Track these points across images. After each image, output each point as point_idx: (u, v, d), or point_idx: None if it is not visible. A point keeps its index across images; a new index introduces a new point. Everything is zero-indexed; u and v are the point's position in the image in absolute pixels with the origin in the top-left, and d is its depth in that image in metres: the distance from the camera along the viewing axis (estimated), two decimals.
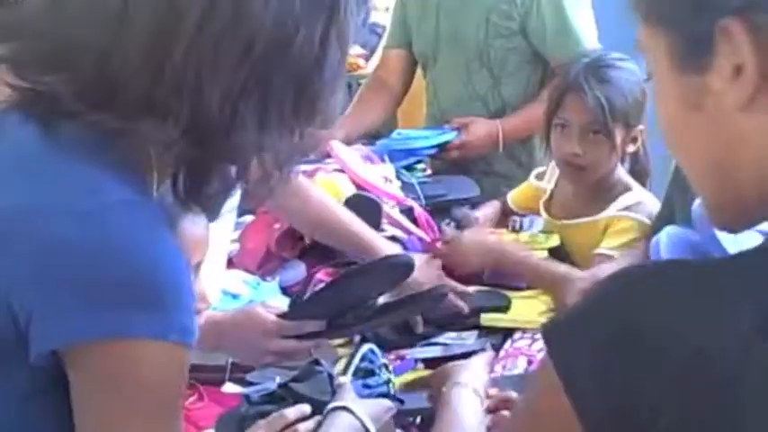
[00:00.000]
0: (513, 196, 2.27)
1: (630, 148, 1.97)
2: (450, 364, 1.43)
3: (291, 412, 1.28)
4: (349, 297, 1.59)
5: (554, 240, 2.03)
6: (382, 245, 1.84)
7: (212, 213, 1.00)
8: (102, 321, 0.84)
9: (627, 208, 1.94)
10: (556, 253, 2.00)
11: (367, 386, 1.48)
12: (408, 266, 1.68)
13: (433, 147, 2.48)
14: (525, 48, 2.51)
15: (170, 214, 0.96)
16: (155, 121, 0.86)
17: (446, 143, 2.50)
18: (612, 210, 1.95)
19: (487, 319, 1.83)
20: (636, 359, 0.66)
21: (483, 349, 1.75)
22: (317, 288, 1.85)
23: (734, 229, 0.78)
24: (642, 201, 1.95)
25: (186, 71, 0.85)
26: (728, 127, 0.69)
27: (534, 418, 0.76)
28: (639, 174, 2.03)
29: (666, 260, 0.83)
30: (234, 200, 1.66)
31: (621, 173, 2.00)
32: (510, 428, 0.86)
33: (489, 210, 2.26)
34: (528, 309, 1.83)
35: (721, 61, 0.68)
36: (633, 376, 0.66)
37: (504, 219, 2.26)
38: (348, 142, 2.44)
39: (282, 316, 1.54)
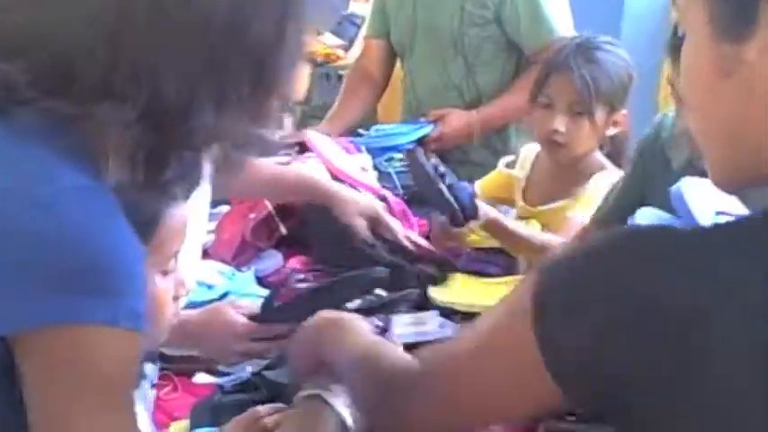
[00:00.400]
0: (483, 185, 2.26)
1: (611, 132, 1.99)
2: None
3: (264, 409, 1.27)
4: (322, 306, 1.58)
5: (534, 227, 2.03)
6: (331, 184, 1.96)
7: (170, 199, 0.99)
8: (51, 307, 0.83)
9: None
10: None
11: None
12: (384, 280, 1.68)
13: (411, 142, 2.47)
14: (499, 36, 2.51)
15: (152, 201, 0.96)
16: (112, 105, 0.85)
17: (424, 137, 2.51)
18: (587, 189, 1.97)
19: (436, 291, 1.81)
20: (615, 308, 0.69)
21: None
22: (293, 285, 1.85)
23: (727, 189, 0.81)
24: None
25: (142, 56, 0.85)
26: (754, 98, 0.71)
27: (489, 336, 0.81)
28: (616, 158, 2.04)
29: (657, 225, 0.86)
30: (206, 188, 1.67)
31: (599, 155, 2.02)
32: (462, 339, 0.88)
33: None
34: (495, 294, 1.80)
35: (763, 31, 0.69)
36: (609, 323, 0.69)
37: None
38: (340, 135, 2.48)
39: (253, 318, 1.52)
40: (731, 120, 0.73)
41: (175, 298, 1.24)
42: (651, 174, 1.68)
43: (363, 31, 3.98)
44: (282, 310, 1.58)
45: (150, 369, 1.33)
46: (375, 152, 2.41)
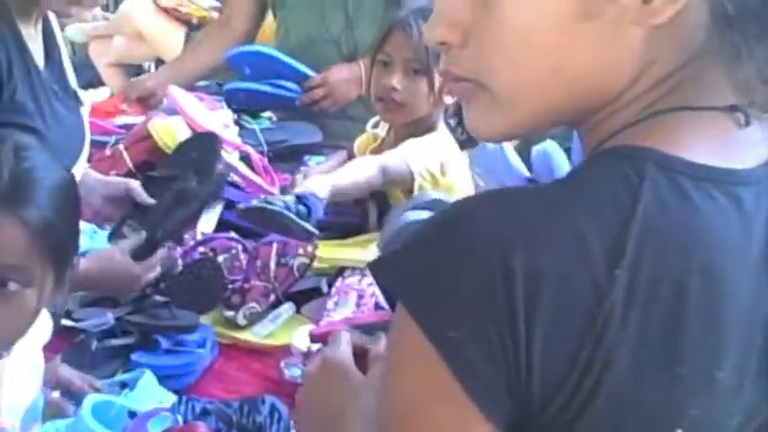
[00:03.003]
0: (358, 145, 2.24)
1: (449, 100, 1.95)
2: None
3: None
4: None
5: None
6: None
7: None
8: None
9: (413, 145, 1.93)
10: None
11: None
12: None
13: (296, 72, 2.45)
14: None
15: None
16: None
17: (307, 77, 2.46)
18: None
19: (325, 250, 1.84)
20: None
21: (319, 287, 1.80)
22: None
23: (507, 137, 0.76)
24: (433, 142, 1.95)
25: None
26: (616, 46, 0.67)
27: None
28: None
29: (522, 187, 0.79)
30: None
31: (440, 122, 2.00)
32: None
33: (336, 160, 2.23)
34: (359, 251, 1.85)
35: None
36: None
37: None
38: (182, 84, 2.40)
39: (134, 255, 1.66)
40: (571, 69, 0.68)
41: None
42: None
43: None
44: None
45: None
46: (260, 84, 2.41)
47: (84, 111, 1.77)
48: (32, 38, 1.64)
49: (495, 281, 0.61)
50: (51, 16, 1.70)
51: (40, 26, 1.67)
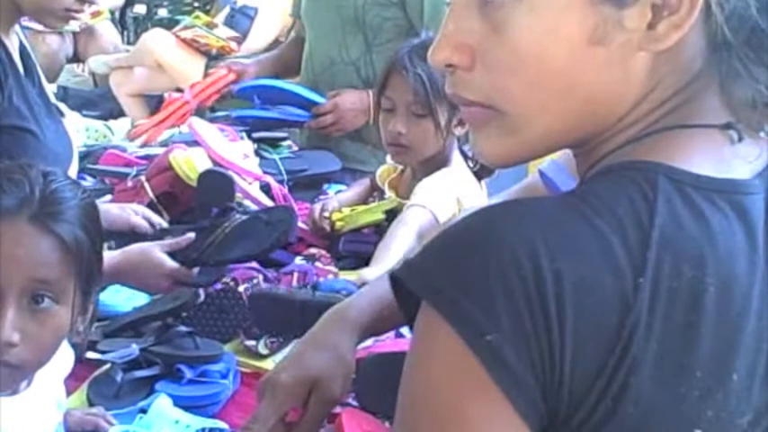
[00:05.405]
0: (379, 174, 2.25)
1: (459, 131, 1.96)
2: None
3: None
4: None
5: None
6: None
7: None
8: None
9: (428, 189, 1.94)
10: None
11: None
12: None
13: (305, 100, 2.52)
14: (402, 19, 2.50)
15: None
16: None
17: (316, 104, 2.54)
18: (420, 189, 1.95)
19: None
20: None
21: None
22: None
23: (521, 160, 0.77)
24: (447, 179, 1.96)
25: None
26: (622, 70, 0.69)
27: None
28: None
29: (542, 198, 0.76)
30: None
31: (456, 153, 2.01)
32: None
33: (360, 188, 2.27)
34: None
35: None
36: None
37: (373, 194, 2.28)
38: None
39: (173, 255, 1.65)
40: (582, 90, 0.70)
41: None
42: None
43: (257, 23, 4.07)
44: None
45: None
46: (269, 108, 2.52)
47: (66, 122, 1.79)
48: (14, 49, 1.68)
49: (528, 284, 0.63)
50: (20, 32, 1.73)
51: (17, 40, 1.70)
